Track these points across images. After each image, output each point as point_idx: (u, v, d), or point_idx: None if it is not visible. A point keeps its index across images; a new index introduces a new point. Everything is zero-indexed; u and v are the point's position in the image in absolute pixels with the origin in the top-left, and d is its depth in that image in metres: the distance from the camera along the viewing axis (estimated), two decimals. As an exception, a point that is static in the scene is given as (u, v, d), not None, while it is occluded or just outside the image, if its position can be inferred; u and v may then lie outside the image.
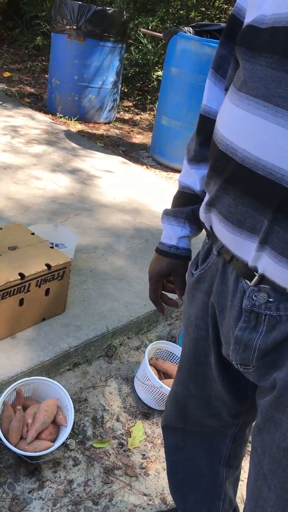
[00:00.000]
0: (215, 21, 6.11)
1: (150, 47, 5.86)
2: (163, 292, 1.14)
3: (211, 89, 0.93)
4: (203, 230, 0.97)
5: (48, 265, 1.82)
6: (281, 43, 0.68)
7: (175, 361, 2.02)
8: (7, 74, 5.98)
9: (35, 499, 1.52)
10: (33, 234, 2.02)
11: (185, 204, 1.04)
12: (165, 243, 1.07)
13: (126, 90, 6.11)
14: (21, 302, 1.79)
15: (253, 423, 0.88)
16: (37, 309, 1.89)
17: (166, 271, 1.08)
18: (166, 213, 1.07)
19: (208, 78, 0.93)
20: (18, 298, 1.76)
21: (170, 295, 1.16)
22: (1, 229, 1.99)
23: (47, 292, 1.87)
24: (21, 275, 1.73)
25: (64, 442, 1.64)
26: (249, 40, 0.75)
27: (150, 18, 6.06)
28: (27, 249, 1.89)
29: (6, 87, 5.40)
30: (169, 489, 1.39)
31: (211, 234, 0.89)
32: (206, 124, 0.95)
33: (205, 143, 0.96)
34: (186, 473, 1.25)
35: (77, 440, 1.71)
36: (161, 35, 4.22)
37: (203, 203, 0.88)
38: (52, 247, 1.95)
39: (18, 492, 1.52)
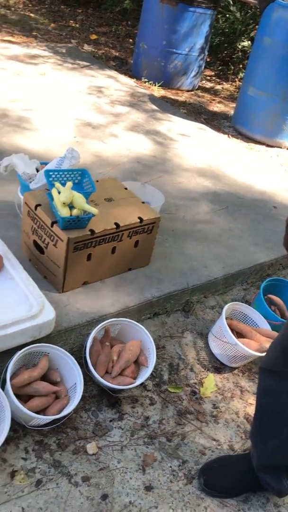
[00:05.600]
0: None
1: (239, 15, 5.73)
2: None
3: None
4: None
5: (140, 218, 1.92)
6: None
7: (249, 323, 2.09)
8: (94, 36, 6.05)
9: (115, 427, 1.66)
10: (126, 189, 2.12)
11: None
12: None
13: (208, 59, 6.03)
14: (113, 250, 1.91)
15: None
16: (126, 259, 2.01)
17: None
18: None
19: None
20: (111, 246, 1.88)
21: None
22: (98, 181, 2.11)
23: (136, 244, 1.98)
24: (117, 225, 1.84)
25: (143, 382, 1.77)
26: None
27: (243, -15, 5.90)
28: (121, 201, 2.00)
29: (93, 49, 5.49)
30: (250, 430, 1.47)
31: None
32: None
33: None
34: (272, 417, 1.32)
35: (154, 383, 1.84)
36: (256, 2, 4.14)
37: None
38: (143, 203, 2.05)
39: (101, 420, 1.67)
